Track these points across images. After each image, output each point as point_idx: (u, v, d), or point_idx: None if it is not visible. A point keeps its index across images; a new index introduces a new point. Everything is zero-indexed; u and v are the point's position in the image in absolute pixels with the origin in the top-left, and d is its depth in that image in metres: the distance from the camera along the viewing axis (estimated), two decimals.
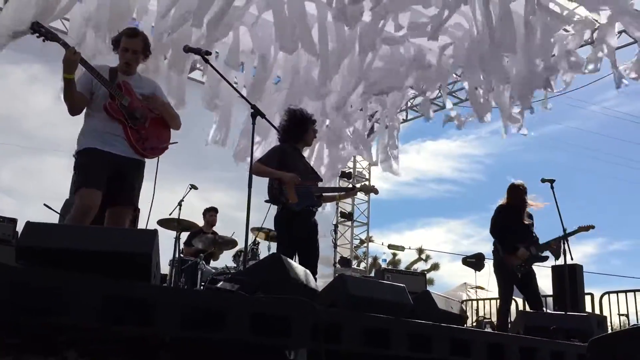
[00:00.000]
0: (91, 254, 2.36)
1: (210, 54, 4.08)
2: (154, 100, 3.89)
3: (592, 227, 6.02)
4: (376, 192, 6.06)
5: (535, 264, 6.13)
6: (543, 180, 5.77)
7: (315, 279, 3.99)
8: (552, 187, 5.64)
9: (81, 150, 3.70)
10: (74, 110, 3.71)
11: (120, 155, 3.72)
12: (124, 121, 3.74)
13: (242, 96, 4.51)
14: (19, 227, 5.90)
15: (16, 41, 5.00)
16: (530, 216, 6.34)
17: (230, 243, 6.89)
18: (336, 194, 5.86)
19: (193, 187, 6.68)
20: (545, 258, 6.14)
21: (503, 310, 6.31)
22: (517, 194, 6.26)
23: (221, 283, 2.88)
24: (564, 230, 5.67)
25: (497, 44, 6.04)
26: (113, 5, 5.63)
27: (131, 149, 3.77)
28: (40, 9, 5.04)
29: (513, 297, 9.55)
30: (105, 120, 3.71)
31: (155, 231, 2.57)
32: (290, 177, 4.90)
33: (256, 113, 3.96)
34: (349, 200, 11.91)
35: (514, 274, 6.04)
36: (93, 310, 2.16)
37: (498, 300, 10.03)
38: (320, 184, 5.47)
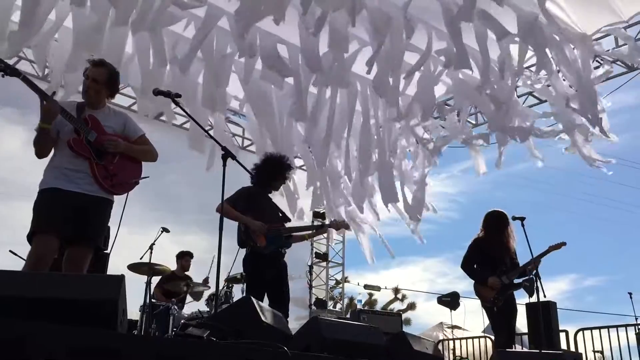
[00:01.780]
0: (54, 301, 2.29)
1: (180, 96, 4.05)
2: (115, 146, 3.71)
3: (564, 244, 5.92)
4: (347, 227, 6.03)
5: (512, 291, 5.95)
6: (514, 218, 5.80)
7: (287, 321, 3.95)
8: (522, 225, 5.68)
9: (42, 190, 3.57)
10: (42, 154, 3.63)
11: (84, 193, 3.57)
12: (89, 157, 3.62)
13: (213, 138, 4.51)
14: None
15: None
16: (513, 250, 6.09)
17: (203, 289, 6.81)
18: (305, 233, 5.66)
19: (165, 230, 6.58)
20: (519, 286, 5.91)
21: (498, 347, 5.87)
22: (489, 223, 6.10)
23: (191, 329, 2.83)
24: (532, 255, 5.66)
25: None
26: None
27: (97, 186, 3.63)
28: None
29: (487, 335, 9.52)
30: (70, 156, 3.59)
31: (122, 276, 2.50)
32: (258, 227, 4.91)
33: (227, 155, 3.95)
34: (323, 240, 11.85)
35: (499, 307, 5.79)
36: None
37: (477, 340, 10.03)
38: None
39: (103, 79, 3.77)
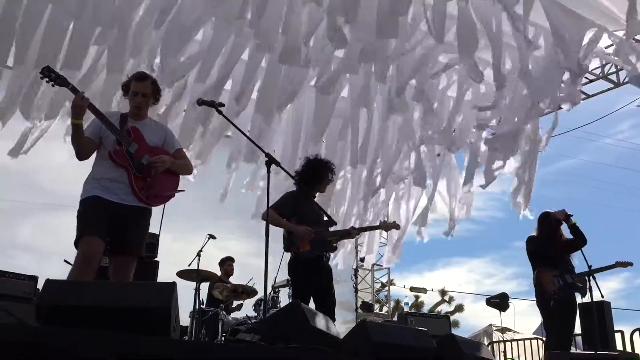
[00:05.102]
0: (110, 310, 2.35)
1: (223, 105, 4.11)
2: (155, 168, 3.76)
3: (631, 264, 5.83)
4: (398, 227, 5.92)
5: (572, 292, 5.80)
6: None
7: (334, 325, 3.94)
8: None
9: (83, 199, 3.65)
10: (81, 155, 3.69)
11: (122, 203, 3.65)
12: (128, 168, 3.69)
13: (257, 145, 4.55)
14: (40, 285, 5.91)
15: None
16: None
17: (251, 292, 6.83)
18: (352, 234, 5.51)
19: (211, 237, 6.66)
20: (580, 289, 5.79)
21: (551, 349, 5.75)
22: (544, 223, 6.02)
23: (240, 334, 2.85)
24: (589, 267, 5.54)
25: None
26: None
27: (134, 197, 3.70)
28: None
29: (538, 337, 9.29)
30: (110, 167, 3.68)
31: (173, 284, 2.55)
32: (303, 232, 4.91)
33: (271, 161, 3.98)
34: None
35: (559, 302, 5.68)
36: None
37: (527, 342, 9.80)
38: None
39: (150, 91, 3.87)
